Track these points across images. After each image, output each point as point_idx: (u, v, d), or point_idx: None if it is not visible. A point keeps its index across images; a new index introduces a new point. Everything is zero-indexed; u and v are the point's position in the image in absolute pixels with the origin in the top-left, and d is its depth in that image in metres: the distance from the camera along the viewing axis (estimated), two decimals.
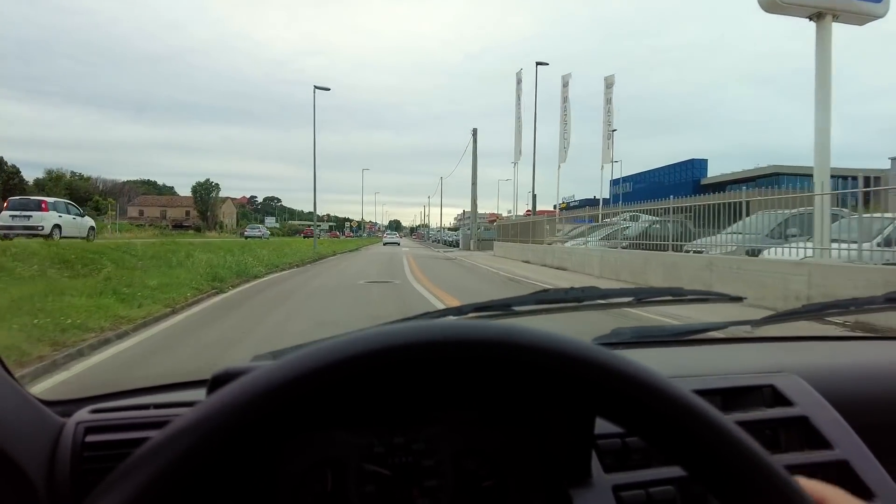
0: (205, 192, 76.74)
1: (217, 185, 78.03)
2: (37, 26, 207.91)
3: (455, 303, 8.05)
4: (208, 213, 76.12)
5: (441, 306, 8.22)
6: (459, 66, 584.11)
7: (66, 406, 0.86)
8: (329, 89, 33.44)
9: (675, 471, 0.84)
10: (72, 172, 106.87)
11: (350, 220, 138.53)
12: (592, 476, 0.82)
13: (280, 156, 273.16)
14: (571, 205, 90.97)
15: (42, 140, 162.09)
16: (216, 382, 0.67)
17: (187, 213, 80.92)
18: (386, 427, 0.83)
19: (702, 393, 0.96)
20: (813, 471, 0.90)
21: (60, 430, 0.77)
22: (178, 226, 76.10)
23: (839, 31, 10.05)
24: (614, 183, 73.37)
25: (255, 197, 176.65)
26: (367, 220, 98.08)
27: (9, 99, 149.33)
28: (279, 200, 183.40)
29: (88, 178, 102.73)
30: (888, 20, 10.00)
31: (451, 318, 1.12)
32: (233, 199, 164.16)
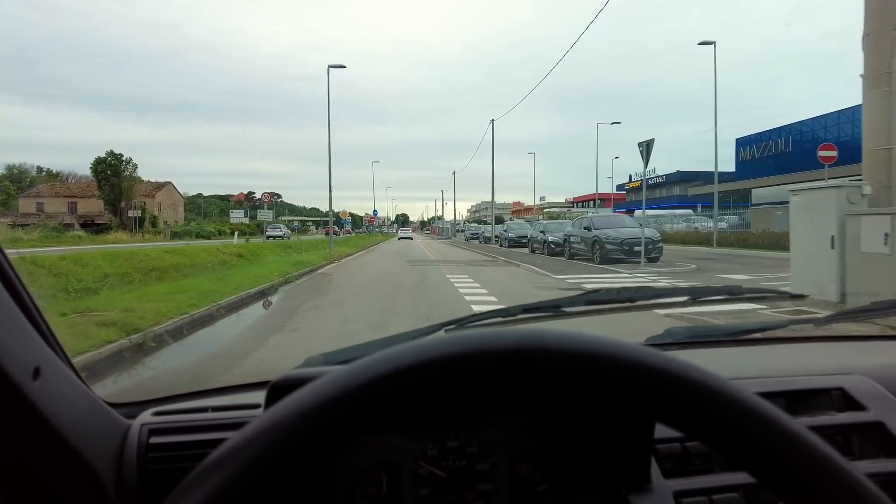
0: (111, 173, 46.81)
1: (127, 159, 47.91)
2: (36, 29, 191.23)
3: None
4: (121, 205, 46.35)
5: None
6: (460, 57, 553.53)
7: (130, 408, 0.86)
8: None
9: (739, 477, 0.81)
10: (38, 168, 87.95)
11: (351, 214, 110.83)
12: (652, 482, 0.78)
13: (284, 153, 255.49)
14: (651, 182, 61.44)
15: (48, 143, 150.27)
16: (275, 389, 0.68)
17: None
18: (439, 431, 0.81)
19: (764, 396, 0.96)
20: (892, 480, 0.84)
21: (126, 432, 0.78)
22: (89, 224, 47.80)
23: None
24: (742, 144, 42.96)
25: (254, 193, 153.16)
26: (366, 214, 68.40)
27: (11, 103, 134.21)
28: (279, 196, 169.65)
29: (57, 175, 79.83)
30: None
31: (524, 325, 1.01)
32: (231, 196, 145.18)
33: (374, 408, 0.40)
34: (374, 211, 72.67)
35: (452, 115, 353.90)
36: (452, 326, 1.07)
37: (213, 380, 1.05)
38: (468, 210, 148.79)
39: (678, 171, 60.64)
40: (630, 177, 75.45)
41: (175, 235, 47.60)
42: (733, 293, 1.22)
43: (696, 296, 1.21)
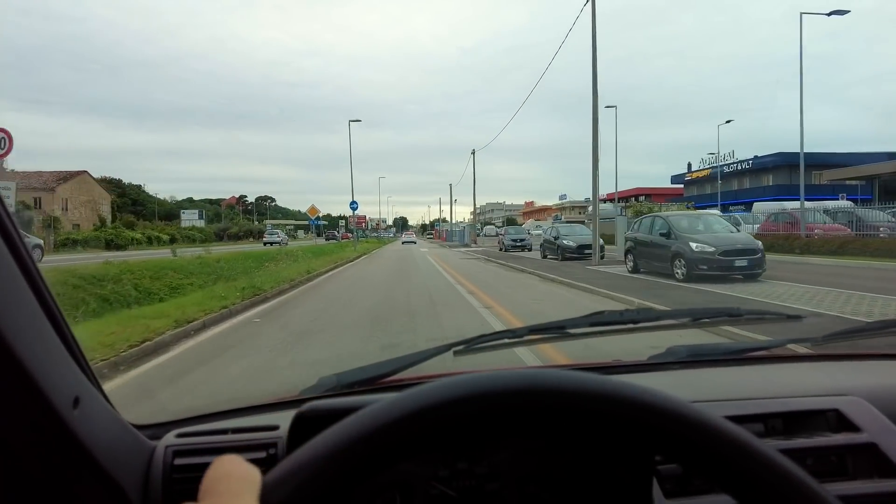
0: None
1: None
2: (32, 35, 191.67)
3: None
4: None
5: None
6: (455, 61, 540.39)
7: (154, 430, 0.88)
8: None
9: None
10: None
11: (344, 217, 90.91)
12: (654, 502, 0.79)
13: (281, 157, 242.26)
14: (728, 171, 43.94)
15: (45, 150, 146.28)
16: (300, 419, 0.72)
17: None
18: (450, 453, 0.82)
19: (762, 417, 0.96)
20: (884, 500, 0.86)
21: (152, 454, 0.79)
22: None
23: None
24: None
25: (245, 196, 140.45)
26: (351, 215, 44.44)
27: (8, 110, 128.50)
28: (273, 200, 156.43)
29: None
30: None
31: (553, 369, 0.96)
32: (222, 200, 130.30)
33: (395, 447, 0.42)
34: (353, 203, 36.49)
35: (449, 119, 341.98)
36: (461, 347, 1.07)
37: (232, 400, 1.07)
38: (471, 213, 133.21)
39: (777, 154, 43.44)
40: (690, 165, 57.73)
41: (69, 245, 31.02)
42: (733, 314, 1.24)
43: (698, 317, 1.23)
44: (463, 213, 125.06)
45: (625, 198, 67.76)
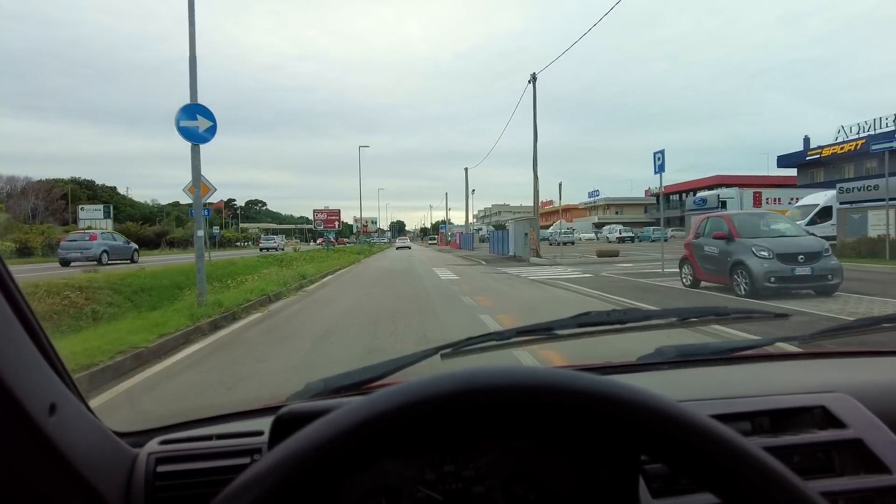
0: None
1: None
2: (25, 40, 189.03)
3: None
4: None
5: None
6: (450, 66, 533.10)
7: (136, 437, 0.88)
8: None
9: None
10: None
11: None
12: (640, 502, 0.78)
13: (277, 162, 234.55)
14: (880, 145, 30.16)
15: (40, 155, 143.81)
16: (280, 422, 0.71)
17: None
18: (436, 456, 0.81)
19: (749, 415, 0.97)
20: (871, 496, 0.86)
21: (134, 461, 0.79)
22: None
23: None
24: None
25: (234, 200, 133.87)
26: (323, 208, 31.42)
27: (2, 116, 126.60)
28: (264, 204, 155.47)
29: None
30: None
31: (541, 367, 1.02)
32: (211, 205, 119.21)
33: (369, 447, 0.41)
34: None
35: (445, 124, 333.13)
36: (448, 350, 1.07)
37: (216, 406, 1.04)
38: (474, 216, 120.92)
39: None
40: (808, 141, 43.27)
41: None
42: (720, 314, 1.24)
43: (685, 317, 1.22)
44: (458, 219, 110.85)
45: (693, 188, 53.72)
